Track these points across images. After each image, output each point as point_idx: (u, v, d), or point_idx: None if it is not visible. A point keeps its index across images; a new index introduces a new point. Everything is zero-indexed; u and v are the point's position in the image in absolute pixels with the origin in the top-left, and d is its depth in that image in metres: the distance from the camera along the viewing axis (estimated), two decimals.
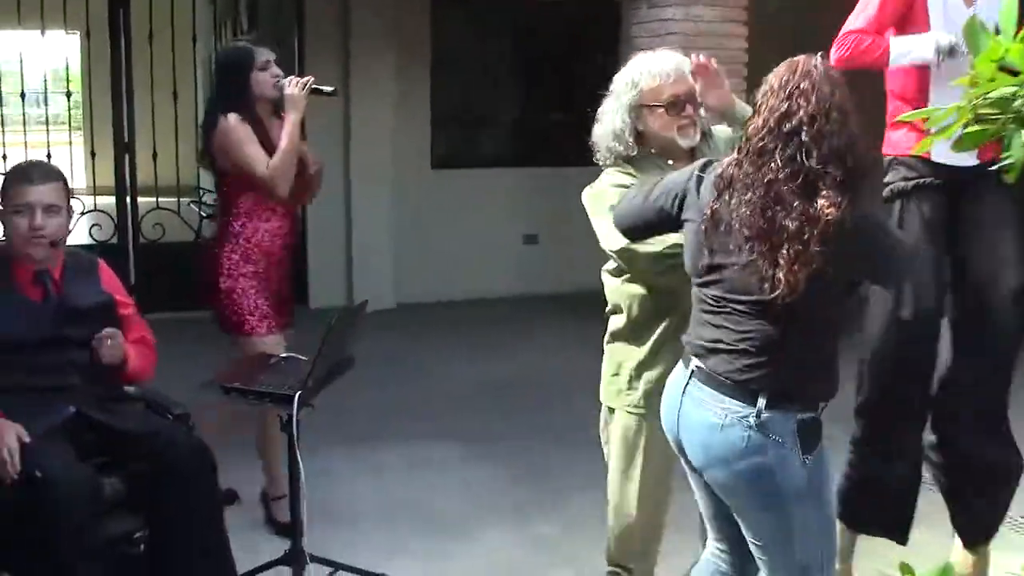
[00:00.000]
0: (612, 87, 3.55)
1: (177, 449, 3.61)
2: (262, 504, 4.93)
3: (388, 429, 6.16)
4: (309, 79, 4.61)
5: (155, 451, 3.59)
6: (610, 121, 3.49)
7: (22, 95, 9.01)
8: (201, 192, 10.25)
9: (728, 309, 2.85)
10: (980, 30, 1.55)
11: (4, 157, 8.58)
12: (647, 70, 3.48)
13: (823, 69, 2.80)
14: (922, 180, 3.86)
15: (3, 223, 3.77)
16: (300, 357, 4.11)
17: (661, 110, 3.43)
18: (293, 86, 4.56)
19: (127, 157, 8.89)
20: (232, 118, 4.54)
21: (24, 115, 9.05)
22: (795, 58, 2.85)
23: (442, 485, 5.46)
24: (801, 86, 2.76)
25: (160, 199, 9.04)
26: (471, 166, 10.07)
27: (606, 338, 3.65)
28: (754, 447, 2.81)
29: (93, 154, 8.86)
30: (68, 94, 10.22)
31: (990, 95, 1.52)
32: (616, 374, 3.59)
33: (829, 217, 2.65)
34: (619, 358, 3.58)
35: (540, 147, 10.15)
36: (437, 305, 9.59)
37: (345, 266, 9.48)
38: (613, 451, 3.68)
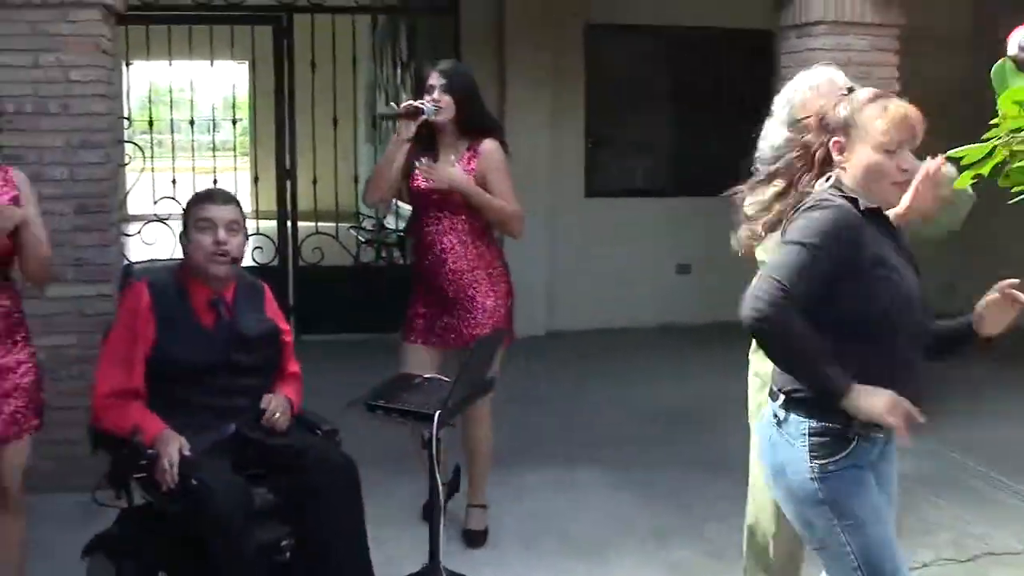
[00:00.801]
0: (773, 106, 3.66)
1: (325, 463, 3.78)
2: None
3: (532, 453, 6.23)
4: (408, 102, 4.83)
5: (304, 465, 3.77)
6: (772, 138, 3.57)
7: (191, 122, 9.37)
8: (360, 217, 10.53)
9: None
10: (1010, 73, 1.57)
11: (174, 182, 8.95)
12: (799, 85, 3.59)
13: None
14: None
15: (184, 245, 3.97)
16: (443, 379, 4.23)
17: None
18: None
19: (288, 182, 9.22)
20: None
21: (193, 141, 9.40)
22: None
23: (582, 508, 5.52)
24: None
25: (320, 224, 9.31)
26: (625, 195, 10.11)
27: None
28: (773, 444, 2.96)
29: (256, 179, 9.19)
30: (235, 121, 10.58)
31: (1020, 133, 1.54)
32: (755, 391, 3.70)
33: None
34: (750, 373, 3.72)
35: (694, 176, 10.13)
36: (588, 333, 9.63)
37: None
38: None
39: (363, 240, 10.50)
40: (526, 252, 9.37)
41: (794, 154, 3.06)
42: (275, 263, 9.13)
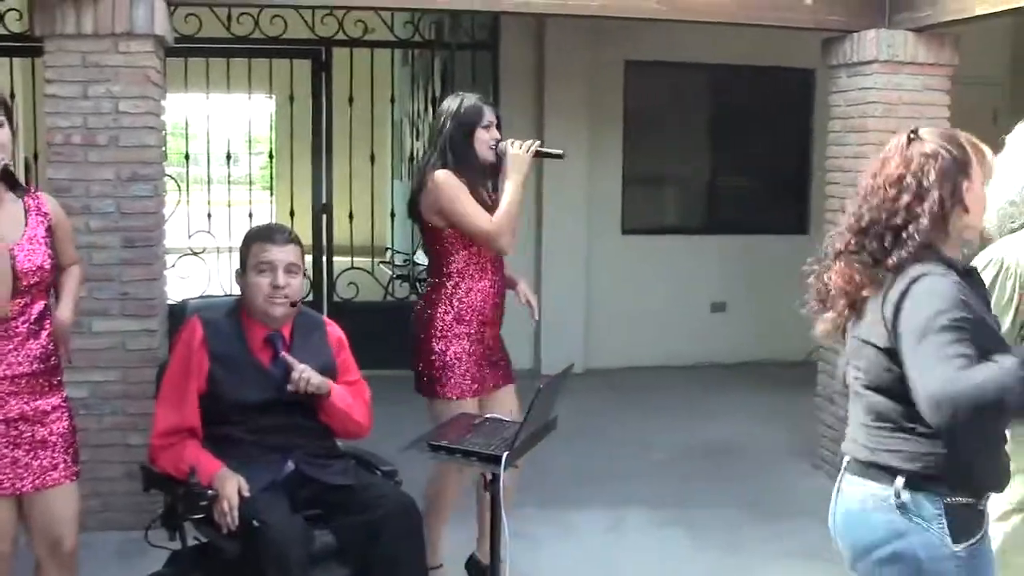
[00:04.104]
0: (1012, 150, 3.43)
1: (387, 503, 3.72)
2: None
3: (580, 492, 6.17)
4: (535, 142, 4.64)
5: (366, 504, 3.71)
6: (1012, 183, 3.36)
7: (228, 156, 9.31)
8: (392, 253, 10.50)
9: (859, 391, 2.74)
10: None
11: (209, 216, 8.92)
12: None
13: (901, 145, 2.73)
14: None
15: (242, 284, 3.92)
16: (503, 418, 4.13)
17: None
18: (516, 147, 4.58)
19: (325, 217, 9.17)
20: (443, 174, 4.47)
21: (229, 175, 9.34)
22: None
23: (633, 549, 5.46)
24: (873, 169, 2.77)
25: (355, 259, 9.26)
26: (661, 232, 10.06)
27: None
28: (896, 532, 2.62)
29: (292, 213, 9.12)
30: (271, 155, 10.51)
31: None
32: None
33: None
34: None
35: (730, 214, 10.11)
36: (624, 370, 9.58)
37: (533, 329, 9.52)
38: None
39: (395, 276, 10.45)
40: (562, 288, 9.37)
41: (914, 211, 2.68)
42: (310, 298, 9.06)
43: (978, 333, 2.46)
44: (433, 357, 4.53)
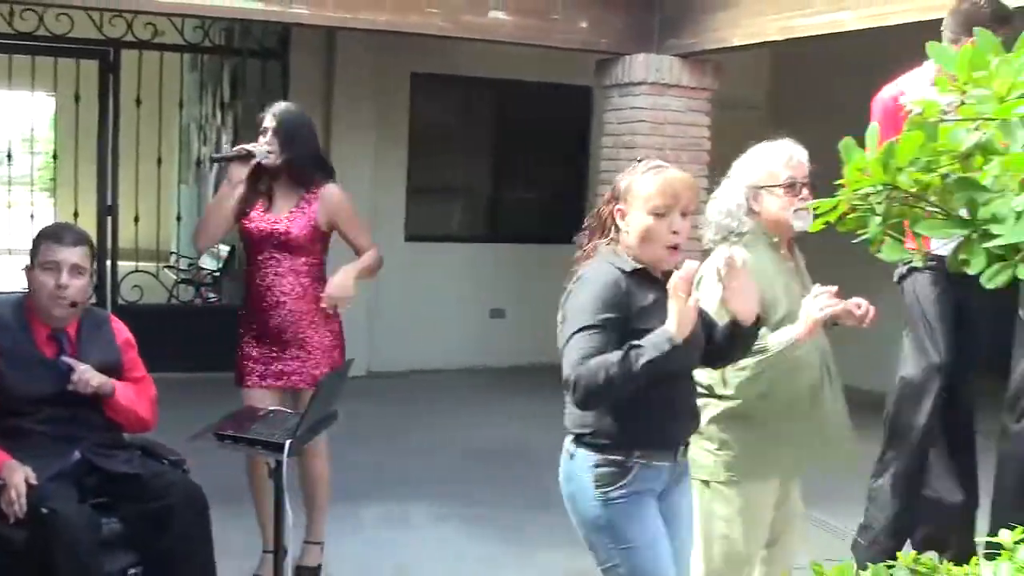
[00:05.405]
0: (731, 171, 3.80)
1: (174, 491, 3.85)
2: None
3: (364, 489, 6.31)
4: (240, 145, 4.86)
5: (154, 493, 3.83)
6: (725, 199, 3.72)
7: (9, 155, 9.16)
8: (175, 257, 10.48)
9: None
10: (852, 147, 1.86)
11: None
12: (768, 154, 3.73)
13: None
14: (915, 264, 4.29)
15: (29, 279, 3.98)
16: (287, 411, 4.32)
17: (778, 191, 3.65)
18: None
19: (110, 220, 9.12)
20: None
21: (10, 175, 9.20)
22: None
23: (415, 541, 5.68)
24: None
25: (139, 263, 9.23)
26: (442, 240, 10.31)
27: None
28: (566, 476, 3.28)
29: (76, 215, 9.04)
30: (55, 155, 10.38)
31: (858, 192, 1.85)
32: None
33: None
34: None
35: (510, 224, 10.45)
36: (407, 374, 9.82)
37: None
38: None
39: (179, 280, 10.43)
40: None
41: (590, 220, 3.37)
42: (93, 301, 8.96)
43: (618, 327, 3.06)
44: (237, 348, 4.86)
